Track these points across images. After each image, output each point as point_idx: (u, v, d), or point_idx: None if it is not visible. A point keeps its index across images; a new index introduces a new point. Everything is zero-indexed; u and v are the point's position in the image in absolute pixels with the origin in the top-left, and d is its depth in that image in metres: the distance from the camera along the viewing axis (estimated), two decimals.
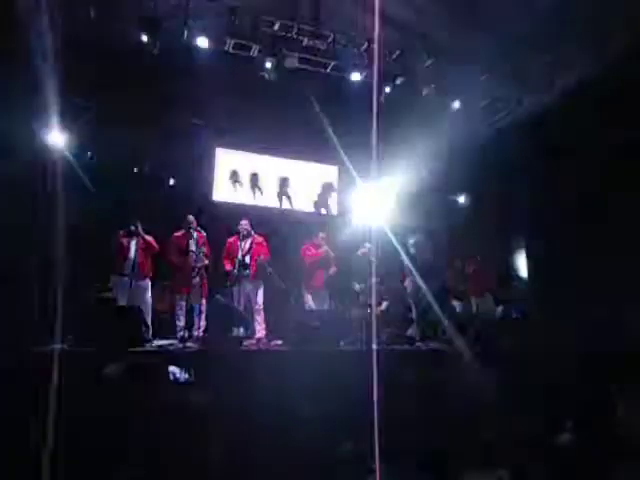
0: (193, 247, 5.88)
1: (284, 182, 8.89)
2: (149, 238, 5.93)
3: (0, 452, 2.48)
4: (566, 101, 6.89)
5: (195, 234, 5.94)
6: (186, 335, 5.66)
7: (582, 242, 6.68)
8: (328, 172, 9.41)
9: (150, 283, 6.02)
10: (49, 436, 2.64)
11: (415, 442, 2.45)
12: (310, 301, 6.57)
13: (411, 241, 6.94)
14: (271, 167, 8.90)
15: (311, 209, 9.07)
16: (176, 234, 6.03)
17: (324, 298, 6.62)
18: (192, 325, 5.83)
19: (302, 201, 9.05)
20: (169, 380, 4.03)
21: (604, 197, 6.61)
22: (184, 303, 5.86)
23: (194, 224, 6.02)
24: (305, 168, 9.20)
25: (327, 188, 9.33)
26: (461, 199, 9.30)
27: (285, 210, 8.80)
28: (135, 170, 7.92)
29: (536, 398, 3.13)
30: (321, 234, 6.75)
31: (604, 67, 6.26)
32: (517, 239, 8.84)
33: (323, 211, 9.18)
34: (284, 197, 8.90)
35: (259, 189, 8.71)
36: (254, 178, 8.66)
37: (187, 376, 4.16)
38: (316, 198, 9.18)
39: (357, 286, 6.77)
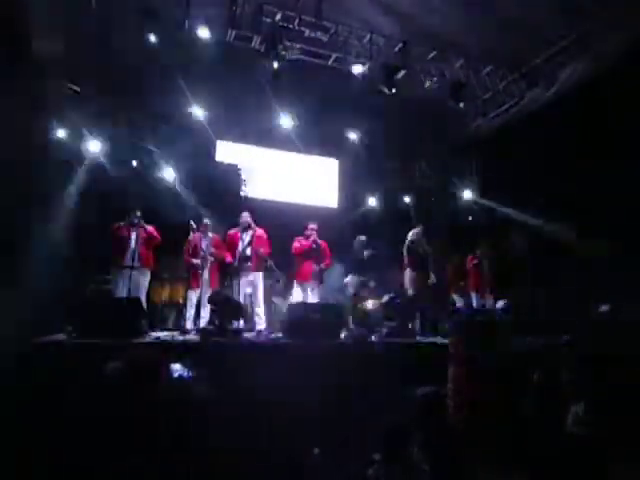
0: (204, 247, 6.01)
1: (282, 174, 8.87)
2: (150, 229, 5.92)
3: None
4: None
5: (210, 235, 6.15)
6: (190, 327, 5.75)
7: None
8: (329, 165, 9.37)
9: (150, 274, 6.02)
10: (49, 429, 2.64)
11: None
12: (296, 292, 6.52)
13: (410, 234, 6.91)
14: (271, 159, 8.86)
15: (311, 202, 9.04)
16: (193, 235, 6.09)
17: (312, 290, 6.43)
18: (197, 317, 5.91)
19: (302, 194, 9.02)
20: (171, 377, 3.99)
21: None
22: (194, 296, 5.97)
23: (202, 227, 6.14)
24: (306, 161, 9.17)
25: (327, 181, 9.31)
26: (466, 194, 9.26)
27: (285, 203, 8.77)
28: (135, 163, 7.90)
29: None
30: (311, 225, 6.53)
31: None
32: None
33: (323, 204, 9.15)
34: (283, 190, 8.88)
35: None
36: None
37: (191, 374, 4.12)
38: (316, 191, 9.15)
39: (348, 278, 6.79)
